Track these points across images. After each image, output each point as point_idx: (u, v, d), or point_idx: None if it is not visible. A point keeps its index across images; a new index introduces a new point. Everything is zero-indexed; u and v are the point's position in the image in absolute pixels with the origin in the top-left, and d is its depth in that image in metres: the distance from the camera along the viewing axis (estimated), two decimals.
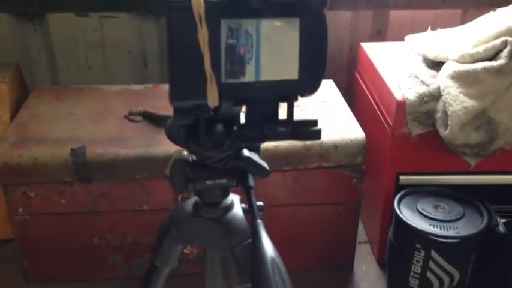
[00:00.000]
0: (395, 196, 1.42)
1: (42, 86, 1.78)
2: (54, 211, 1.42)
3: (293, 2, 0.61)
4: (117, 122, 1.53)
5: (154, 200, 1.44)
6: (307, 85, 0.66)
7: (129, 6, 1.77)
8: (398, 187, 1.47)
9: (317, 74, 0.66)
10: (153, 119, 1.53)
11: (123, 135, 1.46)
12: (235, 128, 0.69)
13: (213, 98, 0.62)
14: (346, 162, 1.47)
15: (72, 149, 1.37)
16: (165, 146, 1.39)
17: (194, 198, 0.94)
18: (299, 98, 0.68)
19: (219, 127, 0.76)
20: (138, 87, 1.74)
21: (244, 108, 0.74)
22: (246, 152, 0.80)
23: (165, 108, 1.55)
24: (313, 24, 0.64)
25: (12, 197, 1.39)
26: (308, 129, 0.66)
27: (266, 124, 0.66)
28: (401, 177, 1.48)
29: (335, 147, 1.45)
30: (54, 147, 1.39)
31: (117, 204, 1.43)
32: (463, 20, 1.88)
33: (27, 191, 1.39)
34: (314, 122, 0.66)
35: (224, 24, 0.61)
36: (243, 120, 0.76)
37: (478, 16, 1.57)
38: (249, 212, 0.88)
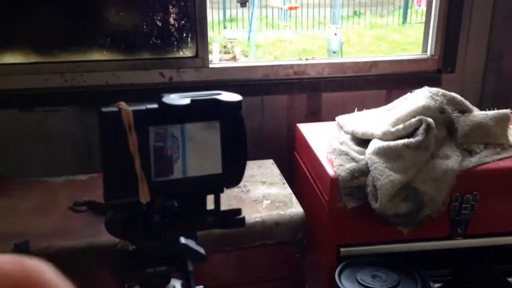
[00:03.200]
0: (337, 268, 1.48)
1: None
2: None
3: (212, 108, 0.70)
4: (62, 213, 1.55)
5: None
6: (231, 178, 0.74)
7: (73, 101, 1.85)
8: (340, 258, 1.54)
9: (239, 168, 0.74)
10: (97, 208, 1.56)
11: (67, 227, 1.48)
12: (165, 220, 0.75)
13: (144, 195, 0.69)
14: (288, 238, 1.53)
15: (15, 244, 1.37)
16: (109, 235, 1.41)
17: (136, 287, 0.97)
18: (225, 189, 0.75)
19: (156, 217, 0.82)
20: (83, 177, 1.78)
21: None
22: (182, 240, 0.85)
23: None
24: (232, 125, 0.73)
25: None
26: (233, 218, 0.73)
27: (195, 215, 0.73)
28: (342, 249, 1.55)
29: (276, 224, 1.51)
30: None
31: None
32: (388, 99, 2.05)
33: None
34: (238, 211, 0.73)
35: (152, 130, 0.68)
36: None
37: (401, 96, 1.74)
38: None
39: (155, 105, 0.69)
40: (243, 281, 1.53)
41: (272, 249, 1.53)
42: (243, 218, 0.72)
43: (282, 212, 1.54)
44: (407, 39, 7.72)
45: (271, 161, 1.88)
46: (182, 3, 1.88)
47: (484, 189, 1.52)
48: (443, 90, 1.60)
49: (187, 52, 1.94)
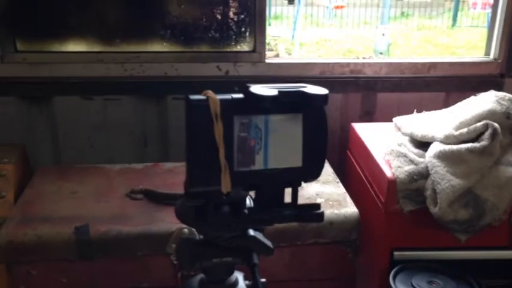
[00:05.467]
0: (390, 271, 1.45)
1: (46, 166, 1.84)
2: None
3: (298, 101, 0.70)
4: (119, 200, 1.58)
5: (154, 277, 1.46)
6: (310, 172, 0.73)
7: (131, 90, 1.89)
8: (393, 262, 1.51)
9: (319, 162, 0.74)
10: (153, 197, 1.58)
11: (125, 213, 1.50)
12: (245, 211, 0.75)
13: (226, 185, 0.69)
14: (341, 238, 1.52)
15: (76, 227, 1.41)
16: (165, 224, 1.44)
17: (200, 276, 0.98)
18: (302, 183, 0.75)
19: (226, 208, 0.83)
20: (139, 166, 1.81)
21: (251, 193, 0.81)
22: (251, 232, 0.85)
23: (164, 185, 1.61)
24: (315, 118, 0.72)
25: (15, 275, 1.41)
26: (311, 212, 0.72)
27: (273, 208, 0.73)
28: (395, 253, 1.52)
29: (330, 223, 1.50)
30: (58, 225, 1.43)
31: (117, 282, 1.45)
32: (446, 102, 2.00)
33: (30, 269, 1.41)
34: (317, 206, 0.72)
35: (237, 120, 0.69)
36: (248, 203, 0.82)
37: (460, 99, 1.69)
38: None
39: (240, 95, 0.69)
40: (295, 278, 1.53)
41: (325, 247, 1.51)
42: (322, 213, 0.72)
43: (336, 211, 1.53)
44: (457, 42, 7.53)
45: None
46: None
47: None
48: (510, 95, 1.54)
49: (244, 46, 1.95)
